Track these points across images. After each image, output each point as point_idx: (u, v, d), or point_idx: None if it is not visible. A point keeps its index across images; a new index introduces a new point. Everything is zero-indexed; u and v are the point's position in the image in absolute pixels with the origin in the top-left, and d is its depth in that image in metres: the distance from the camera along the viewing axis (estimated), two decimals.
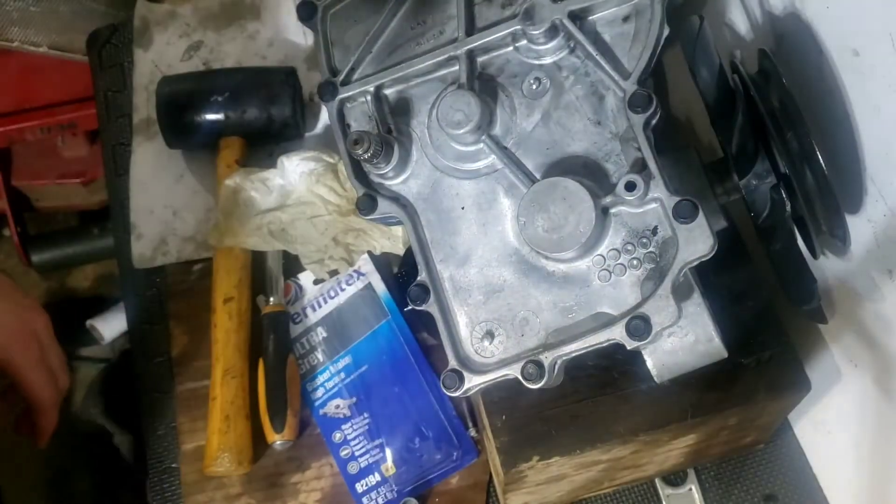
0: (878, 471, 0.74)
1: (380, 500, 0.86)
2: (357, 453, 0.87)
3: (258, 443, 0.86)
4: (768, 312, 0.75)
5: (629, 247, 0.59)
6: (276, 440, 0.85)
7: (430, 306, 0.63)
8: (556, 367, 0.58)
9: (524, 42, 0.64)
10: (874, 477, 0.75)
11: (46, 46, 1.37)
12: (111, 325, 1.62)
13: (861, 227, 0.64)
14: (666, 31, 0.60)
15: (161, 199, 1.00)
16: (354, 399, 0.89)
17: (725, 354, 0.62)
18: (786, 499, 0.85)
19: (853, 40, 0.59)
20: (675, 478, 0.85)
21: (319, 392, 0.90)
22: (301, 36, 1.07)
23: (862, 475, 0.77)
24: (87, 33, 1.15)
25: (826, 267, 0.72)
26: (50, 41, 1.37)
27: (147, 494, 0.90)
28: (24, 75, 1.50)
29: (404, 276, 0.92)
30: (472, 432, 0.87)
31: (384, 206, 0.65)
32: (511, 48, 0.65)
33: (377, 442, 0.87)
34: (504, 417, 0.71)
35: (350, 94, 0.68)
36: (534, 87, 0.64)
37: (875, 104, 0.58)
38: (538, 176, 0.62)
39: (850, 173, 0.63)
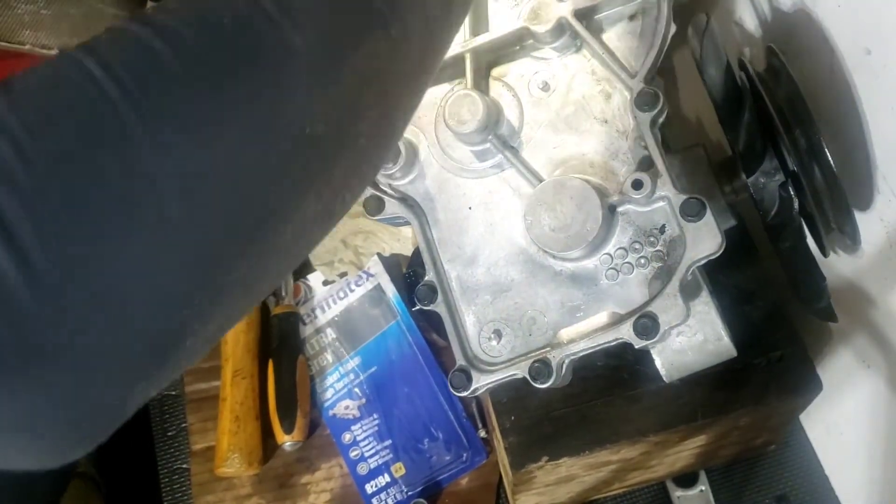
0: (890, 472, 0.73)
1: (389, 500, 0.86)
2: (367, 454, 0.87)
3: (268, 444, 0.87)
4: (779, 312, 0.74)
5: (637, 245, 0.59)
6: (286, 441, 0.85)
7: (438, 306, 0.63)
8: (564, 366, 0.58)
9: (531, 41, 0.64)
10: (886, 478, 0.74)
11: (58, 49, 1.38)
12: None
13: (873, 227, 0.63)
14: (673, 29, 0.59)
15: None
16: (364, 400, 0.89)
17: (735, 353, 0.61)
18: (797, 500, 0.85)
19: (865, 39, 0.58)
20: (685, 479, 0.85)
21: (329, 393, 0.90)
22: None
23: (874, 476, 0.76)
24: None
25: (837, 266, 0.71)
26: (61, 44, 1.38)
27: (158, 495, 0.90)
28: None
29: (412, 277, 0.92)
30: (482, 433, 0.87)
31: (392, 207, 0.65)
32: (518, 47, 0.65)
33: (387, 443, 0.87)
34: (513, 418, 0.71)
35: None
36: (540, 86, 0.63)
37: (887, 103, 0.58)
38: (545, 175, 0.62)
39: (861, 171, 0.62)
